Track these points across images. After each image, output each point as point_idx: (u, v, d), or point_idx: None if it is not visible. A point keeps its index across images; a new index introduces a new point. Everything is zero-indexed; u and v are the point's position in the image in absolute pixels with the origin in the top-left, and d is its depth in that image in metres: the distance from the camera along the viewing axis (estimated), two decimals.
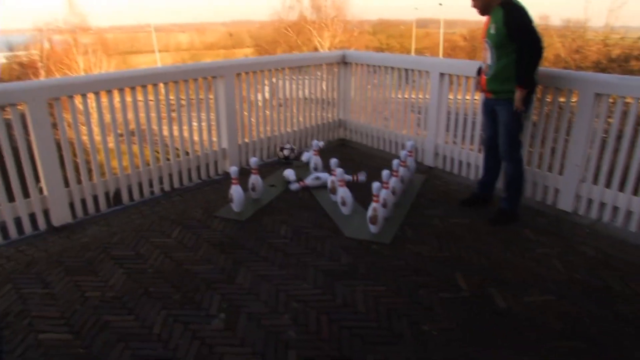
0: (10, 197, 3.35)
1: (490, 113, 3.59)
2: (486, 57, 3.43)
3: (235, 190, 3.66)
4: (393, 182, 3.69)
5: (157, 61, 40.69)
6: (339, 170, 3.70)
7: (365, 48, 34.70)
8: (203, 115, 4.38)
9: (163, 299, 2.68)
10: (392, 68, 4.94)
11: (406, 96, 4.88)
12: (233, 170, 3.62)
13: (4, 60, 35.05)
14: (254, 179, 3.89)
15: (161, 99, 4.01)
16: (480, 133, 4.09)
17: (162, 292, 2.74)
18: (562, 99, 3.71)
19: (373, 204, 3.29)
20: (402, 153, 3.98)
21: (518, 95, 3.27)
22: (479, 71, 3.62)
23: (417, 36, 42.60)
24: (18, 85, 3.36)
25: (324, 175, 3.78)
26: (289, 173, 4.30)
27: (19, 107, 3.28)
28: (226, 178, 4.47)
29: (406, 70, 4.82)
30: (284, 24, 34.11)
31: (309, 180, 3.84)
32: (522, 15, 3.19)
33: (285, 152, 4.70)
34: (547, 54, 32.30)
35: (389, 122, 5.14)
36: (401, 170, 3.90)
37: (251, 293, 2.72)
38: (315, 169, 4.40)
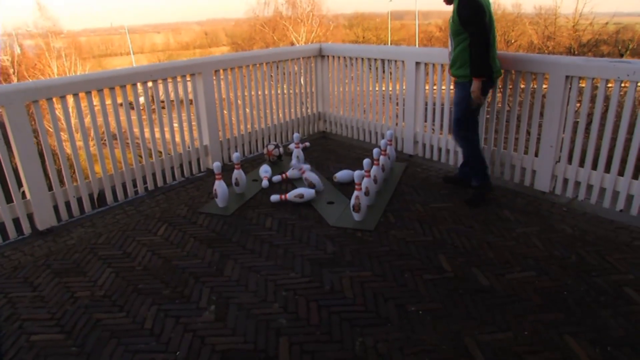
0: None
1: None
2: (449, 44, 3.68)
3: (219, 186, 3.69)
4: (374, 170, 3.76)
5: (133, 63, 40.19)
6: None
7: (342, 42, 34.77)
8: (183, 114, 4.39)
9: (153, 295, 2.71)
10: (369, 59, 5.01)
11: (384, 87, 4.94)
12: (216, 165, 3.64)
13: None
14: (237, 173, 3.92)
15: (141, 98, 4.02)
16: None
17: (152, 288, 2.77)
18: (534, 84, 3.82)
19: (356, 192, 3.36)
20: (382, 142, 4.06)
21: (474, 86, 3.44)
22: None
23: (393, 28, 42.83)
24: None
25: (307, 193, 3.74)
26: (264, 170, 4.31)
27: None
28: (209, 175, 4.50)
29: (382, 60, 4.88)
30: (260, 20, 33.99)
31: (290, 196, 3.74)
32: (470, 6, 3.32)
33: (276, 152, 4.61)
34: (521, 41, 32.87)
35: (367, 113, 5.20)
36: (382, 159, 3.97)
37: (240, 284, 2.76)
38: (298, 160, 4.45)
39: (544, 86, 3.72)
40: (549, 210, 3.57)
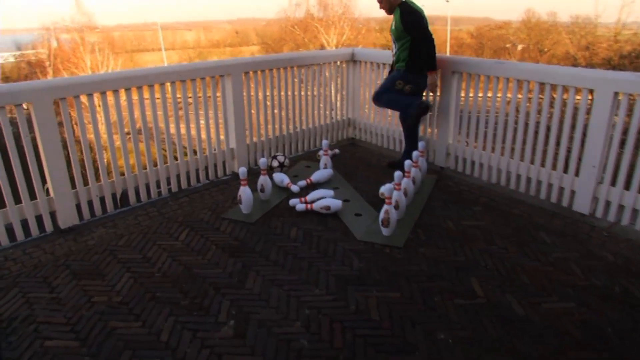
0: (17, 199, 3.31)
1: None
2: (392, 47, 4.38)
3: (244, 192, 3.59)
4: (405, 183, 3.61)
5: (164, 59, 40.76)
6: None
7: (373, 45, 34.56)
8: (211, 115, 4.31)
9: (171, 305, 2.62)
10: None
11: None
12: (242, 171, 3.55)
13: (12, 59, 35.26)
14: (263, 180, 3.82)
15: (168, 97, 3.96)
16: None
17: (170, 298, 2.68)
18: (578, 97, 3.63)
19: (385, 206, 3.21)
20: (414, 153, 3.90)
21: (432, 78, 4.24)
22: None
23: None
24: (23, 86, 3.30)
25: (334, 204, 3.61)
26: (281, 178, 4.16)
27: (24, 107, 3.23)
28: (234, 178, 4.41)
29: None
30: (291, 21, 34.01)
31: (317, 207, 3.61)
32: (414, 15, 4.09)
33: (274, 164, 4.36)
34: (555, 50, 32.07)
35: (399, 121, 5.05)
36: (413, 170, 3.82)
37: (261, 299, 2.65)
38: (326, 167, 4.34)
39: (588, 98, 3.52)
40: (588, 235, 3.36)
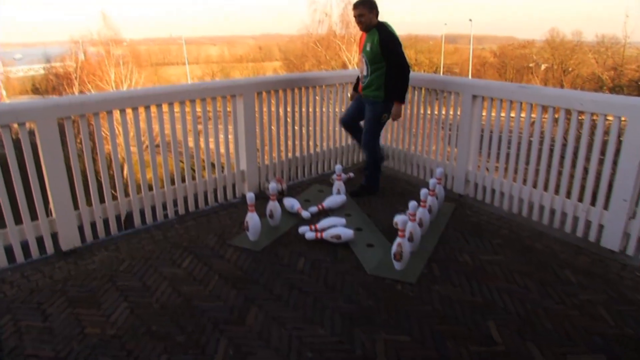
0: (17, 220, 3.22)
1: (359, 104, 4.32)
2: (362, 68, 4.13)
3: (251, 218, 3.44)
4: (420, 212, 3.43)
5: (187, 73, 41.35)
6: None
7: None
8: (221, 136, 4.20)
9: (166, 340, 2.46)
10: (420, 88, 4.69)
11: (435, 117, 4.60)
12: (249, 196, 3.40)
13: (42, 72, 36.16)
14: (272, 205, 3.67)
15: (177, 116, 3.86)
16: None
17: (166, 332, 2.52)
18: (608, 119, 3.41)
19: (398, 239, 3.02)
20: (431, 181, 3.71)
21: (396, 109, 4.07)
22: (357, 80, 4.36)
23: (446, 52, 42.20)
24: (27, 104, 3.24)
25: (345, 234, 3.45)
26: (291, 203, 4.01)
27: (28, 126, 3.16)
28: (243, 202, 4.27)
29: (435, 90, 4.55)
30: (313, 38, 34.12)
31: (327, 236, 3.44)
32: (393, 39, 3.92)
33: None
34: (579, 70, 31.53)
35: (415, 145, 4.87)
36: (429, 199, 3.63)
37: (261, 338, 2.47)
38: (339, 193, 4.18)
39: (618, 125, 3.30)
40: (619, 275, 3.11)
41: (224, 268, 3.17)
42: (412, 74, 4.05)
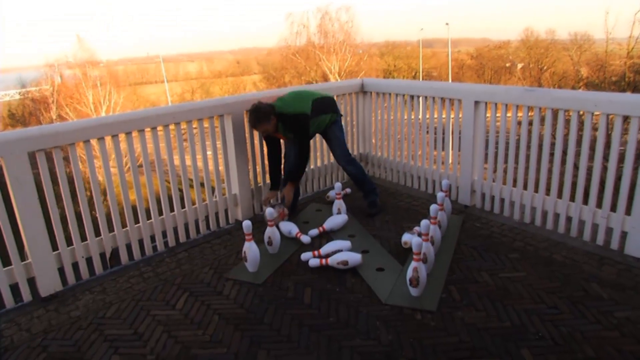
0: None
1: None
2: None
3: (249, 248, 3.15)
4: (432, 230, 3.17)
5: (166, 91, 40.87)
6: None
7: (375, 71, 34.47)
8: (210, 161, 3.91)
9: None
10: (418, 97, 4.46)
11: (435, 126, 4.38)
12: (246, 225, 3.11)
13: (17, 97, 35.44)
14: (270, 231, 3.38)
15: (160, 135, 3.56)
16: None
17: None
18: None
19: (414, 263, 2.76)
20: (439, 195, 3.46)
21: (287, 190, 3.84)
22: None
23: (424, 56, 42.40)
24: None
25: (352, 259, 3.21)
26: (289, 228, 3.73)
27: None
28: (237, 228, 3.97)
29: (434, 98, 4.32)
30: (292, 50, 33.99)
31: (332, 262, 3.16)
32: (300, 122, 3.75)
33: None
34: (556, 68, 31.99)
35: (415, 156, 4.63)
36: (439, 214, 3.38)
37: None
38: (339, 212, 3.91)
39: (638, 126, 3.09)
40: None
41: (224, 306, 2.86)
42: (409, 82, 3.83)
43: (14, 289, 3.03)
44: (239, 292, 3.01)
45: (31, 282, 3.09)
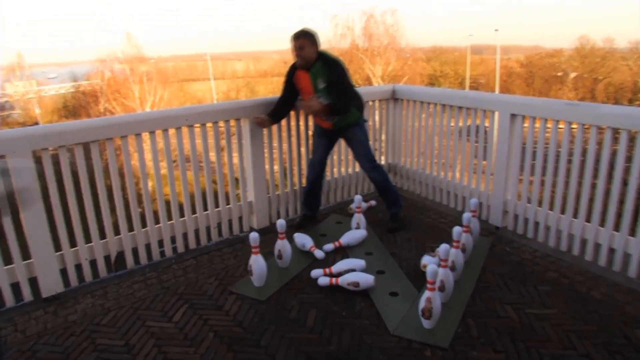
0: None
1: (330, 138, 3.88)
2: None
3: (255, 261, 2.97)
4: (453, 254, 2.91)
5: (212, 88, 41.53)
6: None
7: (420, 76, 33.84)
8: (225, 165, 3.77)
9: None
10: (451, 106, 4.17)
11: (468, 138, 4.08)
12: (252, 237, 2.93)
13: (72, 90, 36.93)
14: (281, 245, 3.20)
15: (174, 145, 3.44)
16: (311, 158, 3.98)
17: None
18: None
19: (427, 293, 2.50)
20: (465, 215, 3.18)
21: (319, 106, 3.44)
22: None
23: (472, 63, 41.32)
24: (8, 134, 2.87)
25: (364, 281, 2.93)
26: (303, 241, 3.52)
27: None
28: None
29: (468, 109, 4.02)
30: (336, 52, 33.80)
31: (343, 282, 2.93)
32: (342, 67, 3.54)
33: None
34: (612, 78, 30.53)
35: (446, 170, 4.34)
36: (463, 237, 3.11)
37: None
38: (358, 226, 3.68)
39: None
40: None
41: (222, 323, 2.69)
42: (443, 90, 3.57)
43: (15, 288, 2.98)
44: (239, 308, 2.83)
45: (32, 283, 3.02)
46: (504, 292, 2.94)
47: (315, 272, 3.10)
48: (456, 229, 2.92)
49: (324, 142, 3.88)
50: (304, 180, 4.14)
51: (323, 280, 3.00)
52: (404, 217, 3.97)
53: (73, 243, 3.12)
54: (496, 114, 3.75)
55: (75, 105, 33.73)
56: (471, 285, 2.99)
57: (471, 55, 41.31)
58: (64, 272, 3.10)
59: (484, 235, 3.68)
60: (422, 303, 2.52)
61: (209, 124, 3.54)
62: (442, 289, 2.68)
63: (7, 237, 2.83)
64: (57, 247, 3.06)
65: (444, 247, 2.64)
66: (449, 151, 4.23)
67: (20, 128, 3.06)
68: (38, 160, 2.84)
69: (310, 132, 4.08)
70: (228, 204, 3.79)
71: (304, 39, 3.44)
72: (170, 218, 3.50)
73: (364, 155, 3.84)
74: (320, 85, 3.49)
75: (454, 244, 2.93)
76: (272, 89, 43.84)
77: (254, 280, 3.02)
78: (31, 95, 34.57)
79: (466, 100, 4.05)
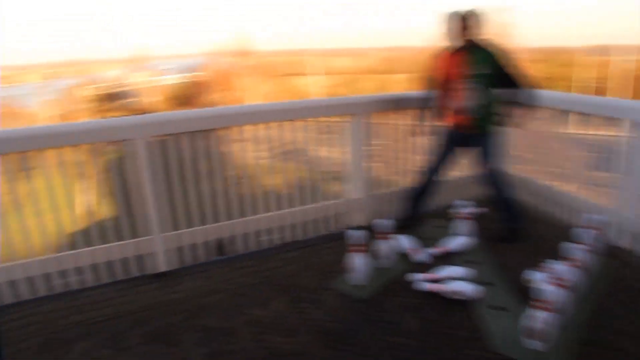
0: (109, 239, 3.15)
1: (458, 144, 3.58)
2: (466, 96, 3.36)
3: (356, 260, 2.94)
4: (570, 274, 2.66)
5: (315, 84, 42.27)
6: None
7: (537, 79, 31.76)
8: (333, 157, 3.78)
9: None
10: (572, 112, 3.81)
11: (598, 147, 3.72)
12: (354, 235, 2.90)
13: (184, 81, 39.68)
14: (382, 245, 3.14)
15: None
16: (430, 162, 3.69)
17: None
18: None
19: (538, 313, 2.31)
20: (587, 233, 2.89)
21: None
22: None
23: (593, 64, 38.06)
24: (125, 121, 3.13)
25: (470, 291, 2.76)
26: (404, 242, 3.41)
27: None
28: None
29: (591, 115, 3.65)
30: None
31: (445, 290, 2.80)
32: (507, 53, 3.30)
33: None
34: None
35: (568, 180, 3.98)
36: (584, 256, 2.84)
37: None
38: (465, 234, 3.50)
39: None
40: None
41: (318, 317, 2.69)
42: (556, 94, 3.33)
43: (132, 262, 3.22)
44: (338, 304, 2.81)
45: (148, 258, 3.25)
46: (627, 323, 2.62)
47: (416, 276, 3.00)
48: (575, 246, 2.68)
49: (451, 147, 3.62)
50: (412, 180, 4.00)
51: (423, 286, 2.90)
52: (519, 230, 3.66)
53: (189, 224, 3.35)
54: (626, 121, 3.37)
55: (185, 96, 36.14)
56: (588, 312, 2.72)
57: (593, 57, 38.14)
58: (177, 251, 3.31)
59: (606, 255, 3.33)
60: (531, 322, 2.33)
61: (318, 119, 3.59)
62: (554, 310, 2.46)
63: (134, 213, 3.08)
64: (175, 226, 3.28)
65: (559, 265, 2.43)
66: (570, 161, 3.88)
67: (140, 116, 3.30)
68: (163, 144, 3.06)
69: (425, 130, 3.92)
70: (330, 199, 3.80)
71: (474, 18, 3.29)
72: (275, 209, 3.58)
73: (487, 162, 3.51)
74: (480, 71, 3.30)
75: (572, 262, 2.68)
76: (373, 85, 43.58)
77: (353, 279, 2.99)
78: (149, 85, 37.63)
79: (587, 106, 3.68)
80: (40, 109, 32.42)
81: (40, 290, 3.05)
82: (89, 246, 3.11)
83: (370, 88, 40.14)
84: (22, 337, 2.58)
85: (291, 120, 3.49)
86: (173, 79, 40.96)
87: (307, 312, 2.76)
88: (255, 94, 28.11)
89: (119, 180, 3.13)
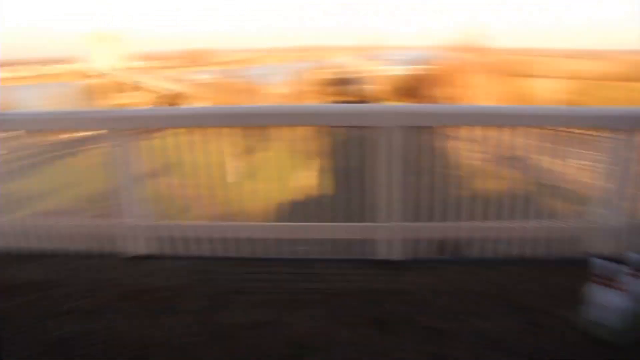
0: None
1: None
2: None
3: (613, 296, 2.50)
4: None
5: (548, 87, 38.55)
6: None
7: None
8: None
9: None
10: None
11: None
12: (604, 265, 2.50)
13: (408, 72, 40.31)
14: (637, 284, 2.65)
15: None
16: None
17: None
18: None
19: None
20: None
21: None
22: None
23: None
24: (380, 109, 3.29)
25: None
26: None
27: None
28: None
29: None
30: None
31: None
32: None
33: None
34: None
35: None
36: None
37: None
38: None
39: None
40: None
41: (549, 347, 2.42)
42: None
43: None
44: (577, 340, 2.49)
45: (372, 244, 3.36)
46: None
47: None
48: None
49: None
50: None
51: None
52: None
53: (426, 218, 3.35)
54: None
55: (410, 87, 36.55)
56: None
57: None
58: (407, 242, 3.36)
59: None
60: None
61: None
62: None
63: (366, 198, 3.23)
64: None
65: None
66: None
67: (397, 105, 3.44)
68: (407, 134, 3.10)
69: None
70: (562, 218, 3.42)
71: None
72: (514, 218, 3.36)
73: None
74: None
75: None
76: (621, 96, 37.54)
77: (609, 318, 2.52)
78: (375, 73, 39.21)
79: None
80: (274, 88, 36.95)
81: (271, 252, 3.42)
82: (310, 222, 3.38)
83: (617, 98, 34.64)
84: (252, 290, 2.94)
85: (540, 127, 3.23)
86: (399, 70, 41.88)
87: (540, 338, 2.51)
88: (482, 93, 26.91)
89: (354, 164, 3.28)
